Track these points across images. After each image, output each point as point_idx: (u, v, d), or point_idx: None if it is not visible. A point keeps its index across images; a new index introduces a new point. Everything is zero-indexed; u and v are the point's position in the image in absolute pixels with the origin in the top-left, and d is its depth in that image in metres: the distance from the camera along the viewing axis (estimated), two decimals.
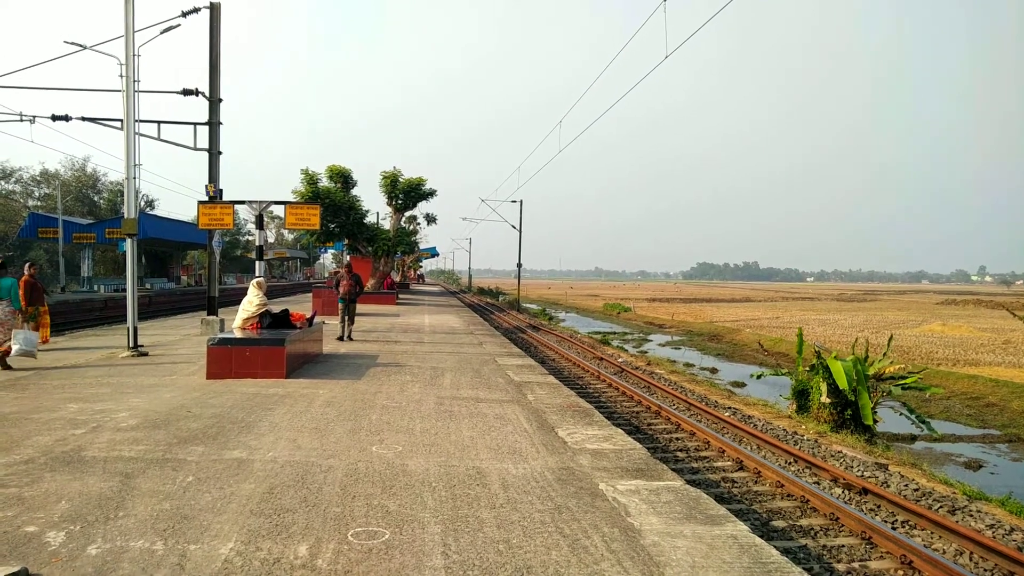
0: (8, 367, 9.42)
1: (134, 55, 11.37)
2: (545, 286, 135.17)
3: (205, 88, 14.44)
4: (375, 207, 79.04)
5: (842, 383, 11.15)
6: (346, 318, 14.02)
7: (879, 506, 7.26)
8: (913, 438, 12.95)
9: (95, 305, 28.45)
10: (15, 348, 9.41)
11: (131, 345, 11.10)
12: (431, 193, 29.81)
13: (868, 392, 11.31)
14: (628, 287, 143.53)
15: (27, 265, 11.68)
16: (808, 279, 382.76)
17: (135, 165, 11.50)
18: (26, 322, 10.35)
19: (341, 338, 13.70)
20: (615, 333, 36.15)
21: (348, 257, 31.74)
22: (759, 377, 14.57)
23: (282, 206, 13.55)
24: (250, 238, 67.99)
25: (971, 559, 6.02)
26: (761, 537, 4.10)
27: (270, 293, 10.91)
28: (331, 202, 26.08)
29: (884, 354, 12.86)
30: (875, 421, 11.13)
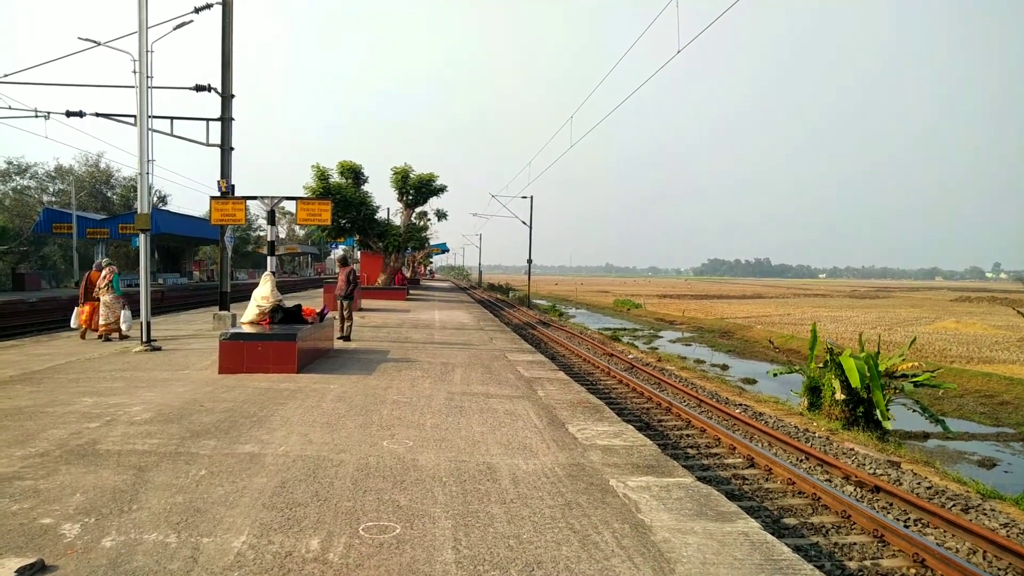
0: (109, 340, 12.25)
1: (147, 51, 11.41)
2: (555, 282, 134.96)
3: (218, 84, 14.51)
4: (386, 203, 79.21)
5: (854, 381, 11.05)
6: (343, 316, 13.15)
7: (891, 504, 7.21)
8: (926, 436, 12.84)
9: None
10: (123, 325, 12.46)
11: (144, 339, 11.21)
12: (441, 189, 29.81)
13: (881, 390, 11.21)
14: (639, 283, 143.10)
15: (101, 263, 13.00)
16: (820, 276, 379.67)
17: (148, 161, 11.56)
18: (125, 307, 12.64)
19: (342, 337, 12.91)
20: (625, 329, 36.06)
21: (359, 253, 31.81)
22: (775, 375, 14.47)
23: (294, 202, 13.55)
24: (261, 234, 68.38)
25: (984, 558, 5.97)
26: (772, 534, 4.08)
27: (280, 288, 10.95)
28: (342, 198, 26.16)
29: (901, 355, 12.71)
30: (887, 418, 11.03)
